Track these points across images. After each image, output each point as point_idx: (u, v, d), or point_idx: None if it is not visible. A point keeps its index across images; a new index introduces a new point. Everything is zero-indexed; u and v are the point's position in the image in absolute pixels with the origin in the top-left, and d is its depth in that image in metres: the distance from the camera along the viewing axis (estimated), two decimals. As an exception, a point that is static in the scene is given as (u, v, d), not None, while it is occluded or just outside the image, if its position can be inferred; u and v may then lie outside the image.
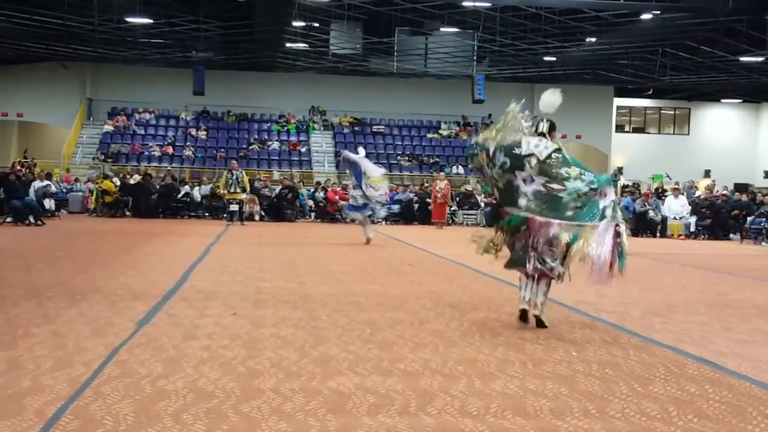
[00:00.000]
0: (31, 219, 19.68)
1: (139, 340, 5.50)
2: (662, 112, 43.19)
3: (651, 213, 23.09)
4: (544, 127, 6.45)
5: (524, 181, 6.24)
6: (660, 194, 25.93)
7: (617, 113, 41.66)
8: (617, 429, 3.81)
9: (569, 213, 6.09)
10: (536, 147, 6.26)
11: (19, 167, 24.89)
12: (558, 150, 6.28)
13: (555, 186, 6.14)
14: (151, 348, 5.23)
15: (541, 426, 3.81)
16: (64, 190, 28.03)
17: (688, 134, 42.58)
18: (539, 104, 6.64)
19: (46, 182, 24.06)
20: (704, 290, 9.65)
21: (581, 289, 9.17)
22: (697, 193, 26.53)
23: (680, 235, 22.59)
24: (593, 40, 30.66)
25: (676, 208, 23.32)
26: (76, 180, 29.67)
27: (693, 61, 31.68)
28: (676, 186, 26.34)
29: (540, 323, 6.40)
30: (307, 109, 37.99)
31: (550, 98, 6.60)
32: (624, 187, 31.40)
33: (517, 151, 6.26)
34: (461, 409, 4.04)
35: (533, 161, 6.21)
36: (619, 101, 41.25)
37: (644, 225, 23.14)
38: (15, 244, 13.96)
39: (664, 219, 23.06)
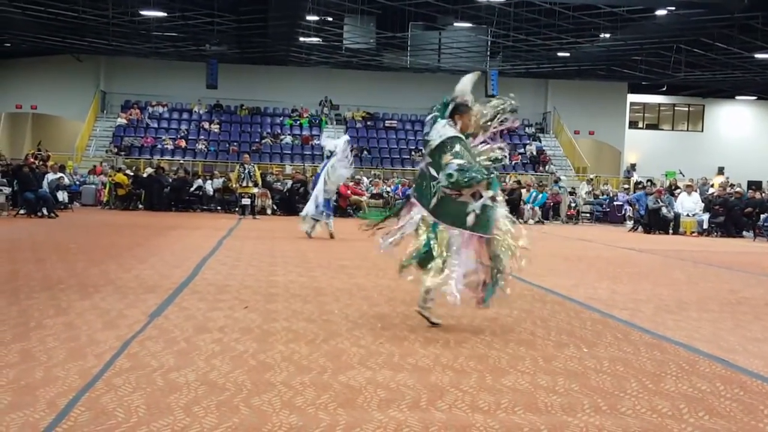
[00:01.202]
0: (45, 211, 19.77)
1: (151, 332, 5.52)
2: (676, 108, 43.02)
3: (664, 210, 22.99)
4: (449, 110, 6.26)
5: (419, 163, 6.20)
6: (673, 191, 25.82)
7: (631, 109, 41.54)
8: (628, 426, 3.80)
9: (433, 202, 5.93)
10: (436, 134, 6.08)
11: (32, 159, 24.99)
12: (452, 138, 5.98)
13: (431, 170, 5.99)
14: (163, 341, 5.25)
15: (551, 422, 3.81)
16: (78, 182, 28.15)
17: (702, 131, 42.41)
18: (456, 88, 6.34)
19: (59, 174, 24.17)
20: (717, 287, 9.60)
21: (593, 285, 9.17)
22: (711, 191, 26.40)
23: (693, 232, 22.48)
24: (607, 35, 30.57)
25: (689, 205, 23.21)
26: (89, 172, 29.77)
27: (707, 58, 31.54)
28: (690, 183, 26.21)
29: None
30: (320, 103, 38.03)
31: (463, 83, 6.32)
32: (637, 183, 31.27)
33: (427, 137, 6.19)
34: (472, 405, 4.04)
35: (427, 148, 6.13)
36: (632, 97, 41.11)
37: (657, 222, 23.04)
38: (28, 236, 14.02)
39: (677, 216, 22.96)
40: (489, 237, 5.90)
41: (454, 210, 5.90)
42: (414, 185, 6.28)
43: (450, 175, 5.79)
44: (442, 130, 6.06)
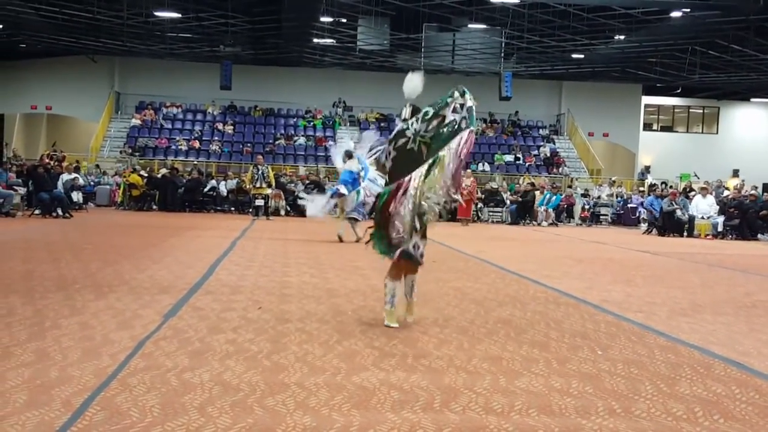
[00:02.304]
0: (59, 211, 19.89)
1: (165, 332, 5.53)
2: (691, 110, 42.86)
3: (678, 212, 22.90)
4: (405, 112, 6.36)
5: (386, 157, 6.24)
6: (688, 193, 25.71)
7: (645, 111, 41.40)
8: (643, 428, 3.78)
9: (424, 151, 5.98)
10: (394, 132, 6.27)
11: (47, 160, 25.13)
12: (404, 121, 6.20)
13: (400, 142, 6.11)
14: (177, 341, 5.27)
15: (565, 424, 3.79)
16: (92, 183, 28.31)
17: (717, 133, 42.22)
18: (403, 89, 6.42)
19: (74, 175, 24.30)
20: (731, 291, 9.55)
21: (607, 287, 9.14)
22: (726, 193, 26.26)
23: (708, 234, 22.38)
24: (622, 37, 30.48)
25: (703, 207, 23.11)
26: (104, 173, 29.94)
27: (723, 60, 31.40)
28: (704, 185, 26.10)
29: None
30: (333, 104, 38.10)
31: (412, 82, 6.38)
32: (651, 186, 31.17)
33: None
34: (485, 407, 4.03)
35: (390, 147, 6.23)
36: (647, 99, 40.98)
37: (671, 224, 22.95)
38: (43, 236, 14.10)
39: (692, 218, 22.86)
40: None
41: (445, 132, 5.94)
42: (395, 172, 6.18)
43: (426, 112, 6.05)
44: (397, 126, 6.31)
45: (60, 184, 21.86)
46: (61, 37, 31.28)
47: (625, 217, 29.28)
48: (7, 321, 5.72)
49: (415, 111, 6.33)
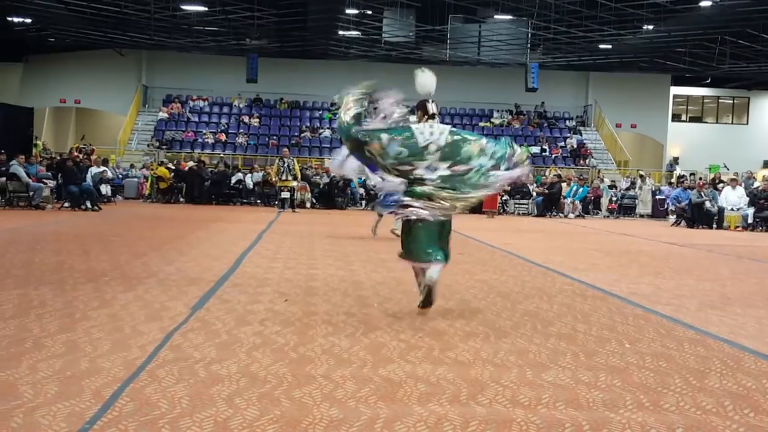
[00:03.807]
0: (88, 204, 20.07)
1: (193, 324, 5.56)
2: (720, 101, 42.38)
3: (707, 204, 22.70)
4: (433, 107, 6.46)
5: (427, 169, 6.18)
6: (717, 185, 25.45)
7: (674, 102, 41.01)
8: (671, 422, 3.75)
9: (470, 189, 6.18)
10: (431, 135, 6.21)
11: (76, 153, 25.36)
12: (451, 132, 6.27)
13: (461, 168, 6.14)
14: (205, 333, 5.29)
15: (593, 418, 3.77)
16: (120, 176, 28.56)
17: (747, 124, 41.73)
18: (416, 87, 6.56)
19: (102, 168, 24.51)
20: (762, 283, 9.45)
21: (635, 280, 9.08)
22: (756, 184, 25.96)
23: (737, 226, 22.16)
24: (650, 27, 30.19)
25: (733, 199, 22.89)
26: (132, 166, 30.18)
27: (753, 49, 31.00)
28: (734, 177, 25.81)
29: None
30: (359, 96, 38.10)
31: (424, 78, 6.60)
32: (680, 177, 30.89)
33: (412, 141, 6.20)
34: (512, 400, 4.02)
35: (433, 149, 6.17)
36: (676, 90, 40.58)
37: (700, 216, 22.75)
38: (72, 228, 14.23)
39: (721, 210, 22.65)
40: None
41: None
42: (435, 191, 6.36)
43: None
44: (436, 128, 6.36)
45: (89, 177, 22.07)
46: (89, 32, 31.54)
47: (653, 209, 29.06)
48: (39, 312, 5.79)
49: (417, 107, 6.61)
